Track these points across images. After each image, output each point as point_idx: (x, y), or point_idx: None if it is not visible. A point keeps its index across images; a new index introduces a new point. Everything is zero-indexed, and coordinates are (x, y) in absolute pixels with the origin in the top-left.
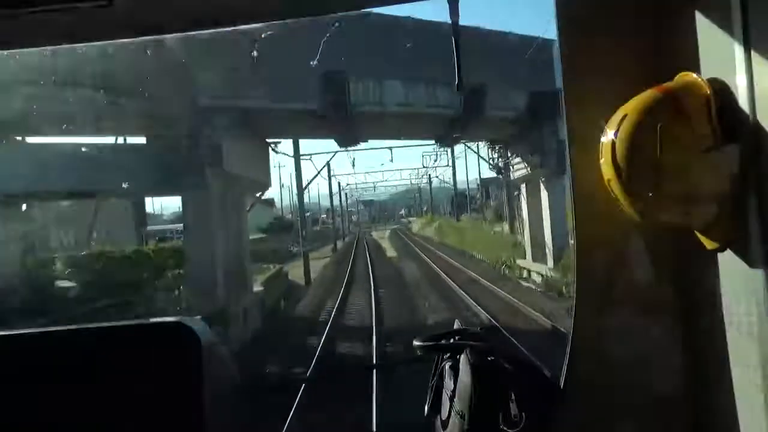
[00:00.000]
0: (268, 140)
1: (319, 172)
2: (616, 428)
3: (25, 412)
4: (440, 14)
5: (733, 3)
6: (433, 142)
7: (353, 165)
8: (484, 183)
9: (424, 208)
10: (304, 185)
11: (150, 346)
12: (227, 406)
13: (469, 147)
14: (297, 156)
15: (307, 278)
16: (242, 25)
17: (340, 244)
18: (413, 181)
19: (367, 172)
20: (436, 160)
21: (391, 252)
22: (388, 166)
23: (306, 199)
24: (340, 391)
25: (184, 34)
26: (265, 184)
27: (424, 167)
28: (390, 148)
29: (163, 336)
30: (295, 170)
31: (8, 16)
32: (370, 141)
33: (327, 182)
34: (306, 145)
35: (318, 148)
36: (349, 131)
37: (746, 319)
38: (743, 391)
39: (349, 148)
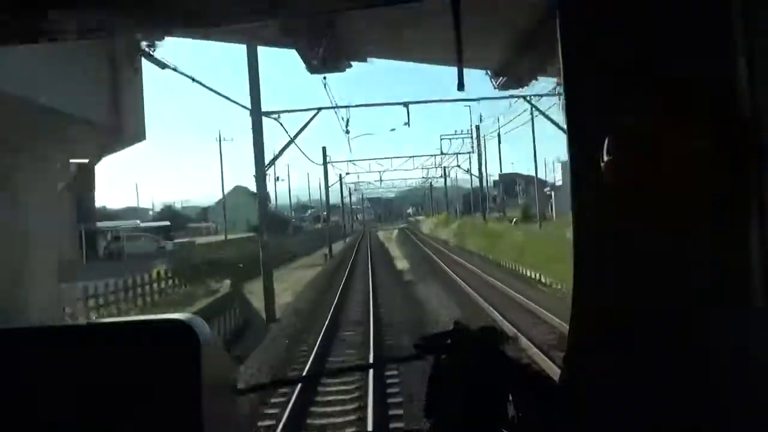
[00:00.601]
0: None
1: (292, 140)
2: (615, 429)
3: (19, 411)
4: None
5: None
6: (485, 75)
7: (346, 126)
8: (504, 179)
9: (436, 206)
10: (268, 157)
11: (147, 344)
12: (225, 404)
13: (530, 102)
14: (256, 108)
15: (270, 311)
16: (241, 24)
17: (338, 247)
18: (429, 173)
19: (374, 159)
20: (474, 132)
21: (401, 262)
22: (400, 137)
23: (306, 195)
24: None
25: (185, 30)
26: (103, 127)
27: (441, 154)
28: (405, 104)
29: (160, 334)
30: (253, 135)
31: (8, 12)
32: (369, 59)
33: (321, 171)
34: (274, 100)
35: (294, 101)
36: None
37: (746, 321)
38: (743, 394)
39: (337, 100)
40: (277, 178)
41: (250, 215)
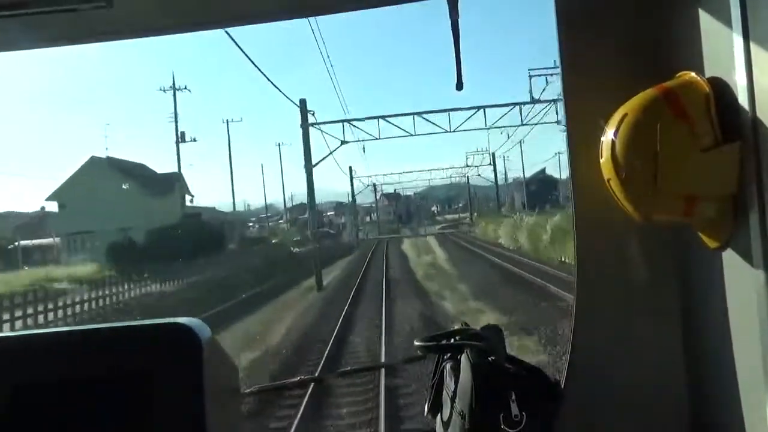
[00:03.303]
0: None
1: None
2: (617, 428)
3: (23, 413)
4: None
5: (733, 2)
6: None
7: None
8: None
9: (521, 203)
10: None
11: (148, 347)
12: (228, 406)
13: None
14: None
15: None
16: (242, 26)
17: (317, 297)
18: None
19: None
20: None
21: None
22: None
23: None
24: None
25: (182, 35)
26: None
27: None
28: None
29: (161, 337)
30: None
31: (7, 16)
32: None
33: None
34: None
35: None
36: None
37: (746, 318)
38: (743, 390)
39: None
40: (182, 135)
41: (128, 216)
